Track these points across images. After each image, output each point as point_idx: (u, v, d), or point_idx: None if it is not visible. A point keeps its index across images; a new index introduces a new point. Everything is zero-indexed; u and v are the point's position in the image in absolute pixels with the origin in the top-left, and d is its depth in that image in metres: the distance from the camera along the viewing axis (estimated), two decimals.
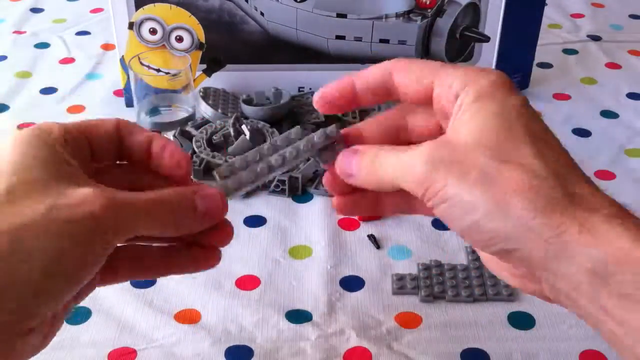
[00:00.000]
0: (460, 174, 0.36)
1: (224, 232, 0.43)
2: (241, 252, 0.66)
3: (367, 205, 0.46)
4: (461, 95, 0.39)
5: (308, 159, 0.75)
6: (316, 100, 0.44)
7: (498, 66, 0.86)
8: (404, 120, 0.44)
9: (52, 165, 0.39)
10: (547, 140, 0.39)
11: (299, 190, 0.73)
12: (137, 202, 0.39)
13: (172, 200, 0.41)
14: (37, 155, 0.39)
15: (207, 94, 0.83)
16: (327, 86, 0.44)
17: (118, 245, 0.41)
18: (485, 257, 0.43)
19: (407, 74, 0.41)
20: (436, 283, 0.61)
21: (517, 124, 0.38)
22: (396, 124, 0.44)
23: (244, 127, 0.76)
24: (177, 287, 0.62)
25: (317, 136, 0.43)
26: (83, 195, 0.37)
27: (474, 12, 0.82)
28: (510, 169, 0.36)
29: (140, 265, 0.44)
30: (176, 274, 0.47)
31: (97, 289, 0.61)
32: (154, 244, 0.45)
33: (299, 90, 0.87)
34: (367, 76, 0.43)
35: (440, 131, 0.42)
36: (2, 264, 0.35)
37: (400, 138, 0.43)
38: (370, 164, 0.40)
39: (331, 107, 0.44)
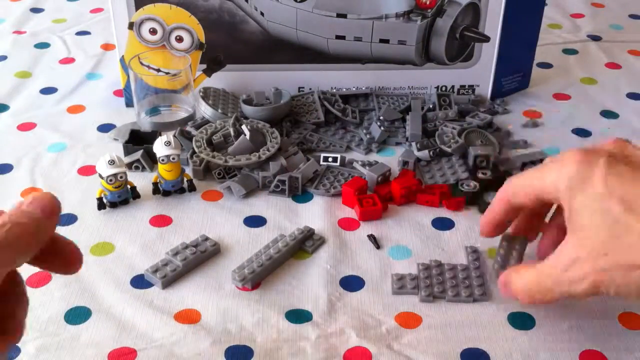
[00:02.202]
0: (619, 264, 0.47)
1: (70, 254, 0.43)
2: (241, 252, 0.65)
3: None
4: (576, 198, 0.49)
5: (308, 159, 0.75)
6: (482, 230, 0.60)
7: (498, 66, 0.86)
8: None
9: None
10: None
11: (299, 190, 0.73)
12: None
13: (5, 220, 0.39)
14: None
15: (207, 94, 0.83)
16: (487, 217, 0.59)
17: None
18: None
19: (517, 197, 0.55)
20: (436, 283, 0.61)
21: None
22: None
23: (244, 127, 0.76)
24: (177, 287, 0.62)
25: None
26: None
27: (474, 12, 0.82)
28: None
29: None
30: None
31: (96, 288, 0.61)
32: None
33: (299, 90, 0.87)
34: (498, 214, 0.58)
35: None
36: None
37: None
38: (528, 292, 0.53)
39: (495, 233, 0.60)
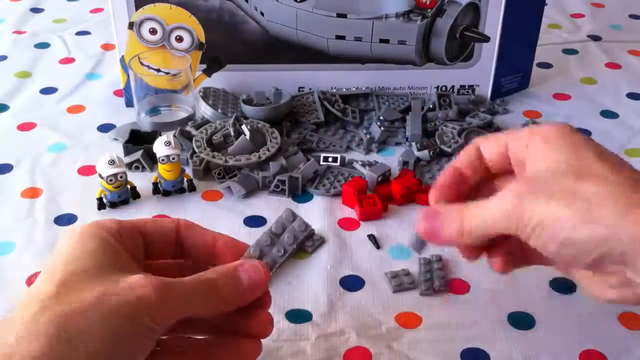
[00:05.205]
0: (545, 197, 0.41)
1: (265, 320, 0.48)
2: None
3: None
4: (531, 143, 0.45)
5: (308, 159, 0.75)
6: (431, 195, 0.49)
7: (498, 66, 0.86)
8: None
9: (104, 256, 0.42)
10: (612, 156, 0.43)
11: (299, 190, 0.73)
12: (184, 284, 0.42)
13: (217, 278, 0.44)
14: (91, 248, 0.42)
15: (207, 94, 0.83)
16: (438, 181, 0.49)
17: (163, 338, 0.44)
18: (583, 279, 0.45)
19: (488, 142, 0.49)
20: (437, 277, 0.61)
21: (584, 150, 0.43)
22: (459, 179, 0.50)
23: (244, 127, 0.76)
24: None
25: (297, 225, 0.51)
26: (132, 282, 0.40)
27: (474, 12, 0.82)
28: (589, 184, 0.40)
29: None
30: None
31: None
32: (199, 337, 0.48)
33: (299, 90, 0.87)
34: (465, 157, 0.50)
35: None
36: (50, 352, 0.36)
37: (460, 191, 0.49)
38: (457, 221, 0.45)
39: (445, 196, 0.49)
